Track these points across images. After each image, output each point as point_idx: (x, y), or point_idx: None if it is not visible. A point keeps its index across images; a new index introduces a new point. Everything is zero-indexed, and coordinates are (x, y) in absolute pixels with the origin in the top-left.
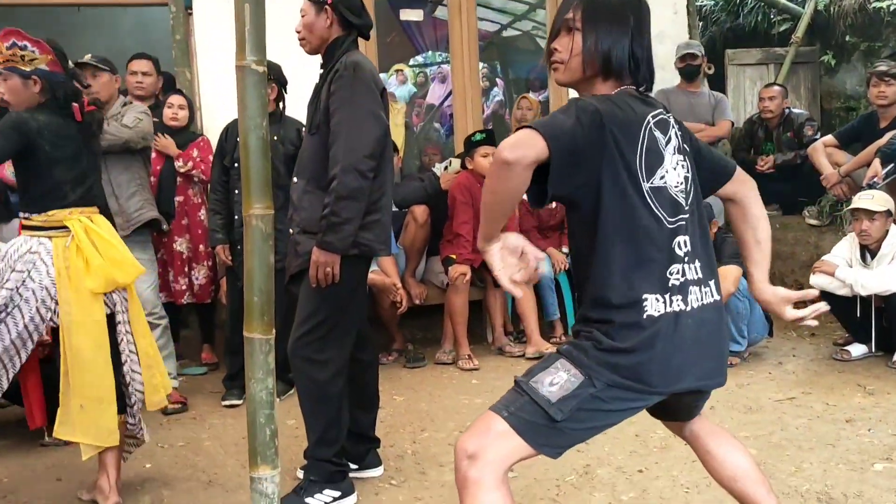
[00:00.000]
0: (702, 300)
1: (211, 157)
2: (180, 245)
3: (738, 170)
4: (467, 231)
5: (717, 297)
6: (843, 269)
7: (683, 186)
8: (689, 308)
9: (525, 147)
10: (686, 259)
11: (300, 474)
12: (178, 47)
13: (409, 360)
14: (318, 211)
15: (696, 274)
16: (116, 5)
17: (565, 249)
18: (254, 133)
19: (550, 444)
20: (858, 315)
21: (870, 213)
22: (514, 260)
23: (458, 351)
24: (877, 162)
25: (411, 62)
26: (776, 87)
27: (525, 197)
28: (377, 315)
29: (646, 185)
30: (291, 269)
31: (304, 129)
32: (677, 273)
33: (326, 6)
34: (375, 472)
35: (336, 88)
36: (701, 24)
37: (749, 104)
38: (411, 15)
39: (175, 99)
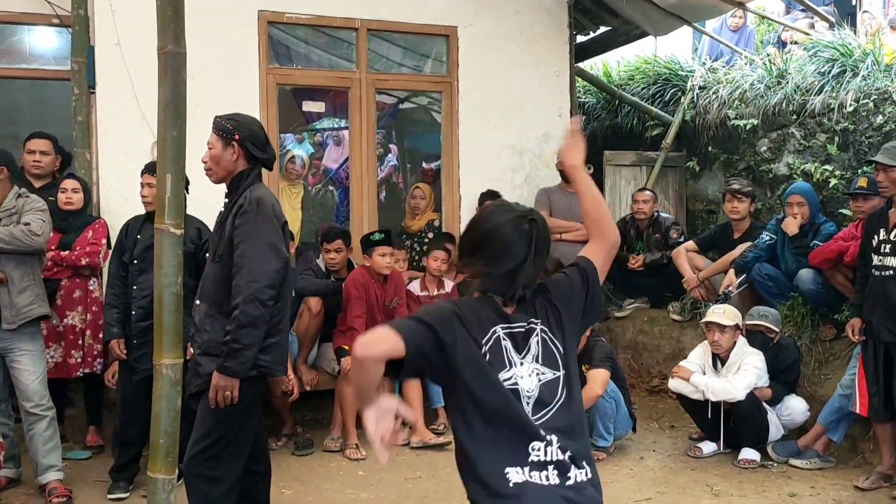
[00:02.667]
0: (575, 478)
1: (103, 241)
2: (72, 318)
3: (591, 259)
4: (360, 325)
5: (590, 476)
6: (697, 375)
7: (538, 394)
8: (560, 485)
9: (376, 344)
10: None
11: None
12: (79, 128)
13: (298, 446)
14: (220, 334)
15: (558, 461)
16: (15, 78)
17: None
18: (168, 290)
19: None
20: (710, 416)
21: (721, 326)
22: (389, 422)
23: (345, 439)
24: (731, 273)
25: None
26: (648, 192)
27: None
28: (268, 401)
29: (501, 380)
30: (192, 387)
31: (203, 227)
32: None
33: (234, 141)
34: None
35: (240, 223)
36: (584, 118)
37: (624, 202)
38: (313, 107)
39: (69, 183)
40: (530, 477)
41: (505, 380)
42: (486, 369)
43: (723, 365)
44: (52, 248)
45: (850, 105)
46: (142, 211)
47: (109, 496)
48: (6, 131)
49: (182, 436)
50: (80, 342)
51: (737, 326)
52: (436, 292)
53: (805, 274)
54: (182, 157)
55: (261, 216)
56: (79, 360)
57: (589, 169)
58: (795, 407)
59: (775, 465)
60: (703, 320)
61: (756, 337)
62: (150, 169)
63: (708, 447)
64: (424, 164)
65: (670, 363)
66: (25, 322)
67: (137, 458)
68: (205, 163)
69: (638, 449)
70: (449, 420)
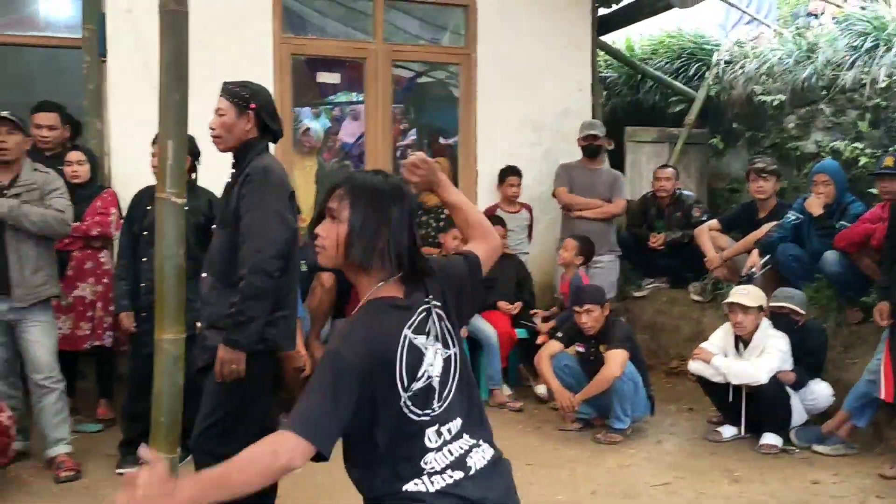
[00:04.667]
0: (483, 459)
1: (113, 210)
2: (83, 290)
3: (476, 254)
4: None
5: (492, 453)
6: (719, 358)
7: (441, 376)
8: (469, 474)
9: (290, 455)
10: (445, 442)
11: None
12: (90, 97)
13: None
14: (225, 306)
15: (464, 446)
16: (28, 45)
17: None
18: (170, 262)
19: None
20: (731, 400)
21: (744, 308)
22: None
23: None
24: (755, 253)
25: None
26: (670, 169)
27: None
28: (281, 378)
29: (404, 396)
30: (199, 362)
31: (214, 200)
32: (434, 461)
33: (249, 110)
34: None
35: (247, 192)
36: (605, 93)
37: (645, 179)
38: (328, 78)
39: (73, 155)
40: (431, 484)
41: (420, 377)
42: (397, 391)
43: (745, 347)
44: None
45: (883, 81)
46: (152, 181)
47: (118, 470)
48: (19, 99)
49: (191, 413)
50: (89, 314)
51: (760, 308)
52: None
53: (830, 256)
54: (184, 122)
55: (267, 185)
56: (87, 331)
57: (610, 145)
58: (820, 392)
59: (797, 450)
60: (726, 301)
61: (781, 319)
62: None
63: (728, 431)
64: (442, 140)
65: (690, 345)
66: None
67: (147, 432)
68: (213, 129)
69: (656, 432)
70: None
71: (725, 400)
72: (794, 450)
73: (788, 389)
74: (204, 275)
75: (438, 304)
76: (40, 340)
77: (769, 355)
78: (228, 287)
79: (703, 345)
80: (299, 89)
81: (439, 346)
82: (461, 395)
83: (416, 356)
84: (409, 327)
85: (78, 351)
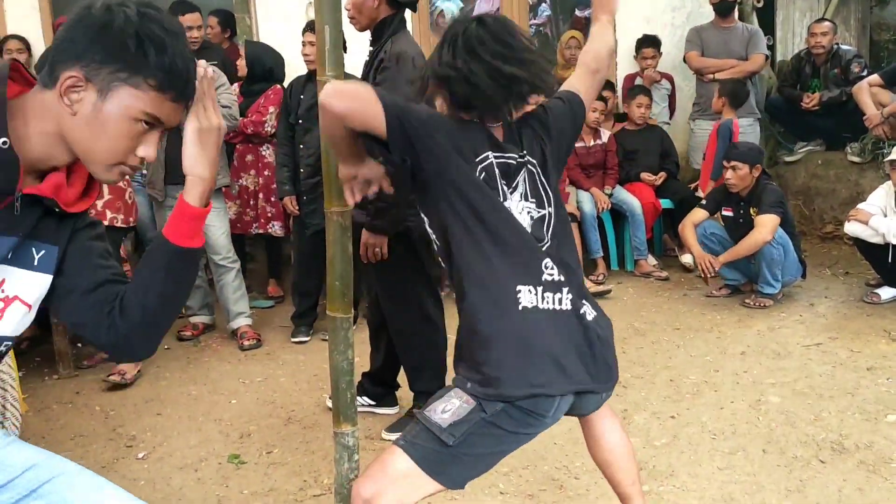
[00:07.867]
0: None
1: (271, 108)
2: (245, 180)
3: (578, 90)
4: None
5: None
6: (877, 218)
7: (530, 231)
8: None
9: (350, 99)
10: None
11: (385, 435)
12: None
13: None
14: None
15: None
16: None
17: (608, 189)
18: None
19: (447, 472)
20: (890, 261)
21: None
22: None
23: None
24: None
25: None
26: (826, 23)
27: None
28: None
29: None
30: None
31: None
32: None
33: None
34: (390, 411)
35: (381, 80)
36: None
37: (798, 36)
38: None
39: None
40: (543, 299)
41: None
42: (486, 188)
43: None
44: None
45: None
46: (302, 71)
47: (293, 339)
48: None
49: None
50: (252, 202)
51: None
52: (591, 143)
53: None
54: (338, 8)
55: (399, 74)
56: (251, 218)
57: (759, 2)
58: None
59: None
60: (888, 158)
61: None
62: (311, 27)
63: (887, 293)
64: (577, 12)
65: (846, 208)
66: None
67: (315, 306)
68: (348, 10)
69: (808, 296)
70: (432, 229)
71: (884, 261)
72: None
73: None
74: None
75: (534, 161)
76: (216, 224)
77: None
78: None
79: (861, 205)
80: None
81: (527, 203)
82: (555, 244)
83: (494, 186)
84: (496, 157)
85: (245, 235)
